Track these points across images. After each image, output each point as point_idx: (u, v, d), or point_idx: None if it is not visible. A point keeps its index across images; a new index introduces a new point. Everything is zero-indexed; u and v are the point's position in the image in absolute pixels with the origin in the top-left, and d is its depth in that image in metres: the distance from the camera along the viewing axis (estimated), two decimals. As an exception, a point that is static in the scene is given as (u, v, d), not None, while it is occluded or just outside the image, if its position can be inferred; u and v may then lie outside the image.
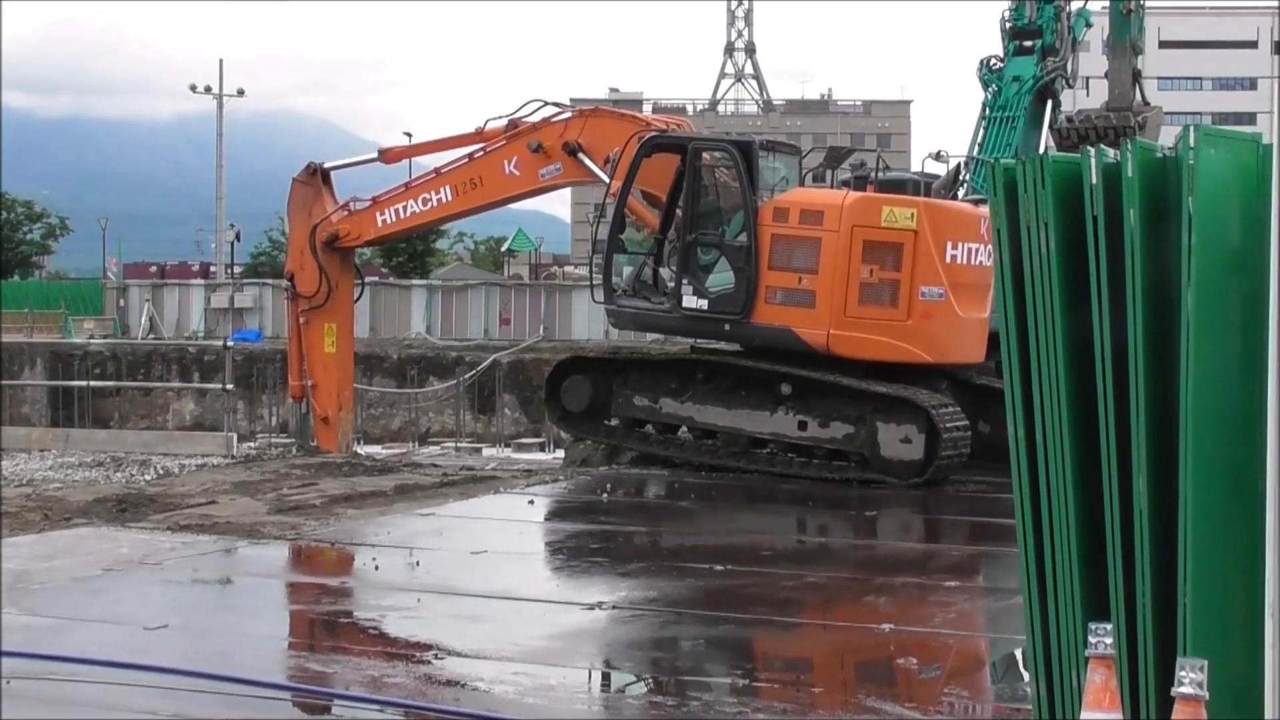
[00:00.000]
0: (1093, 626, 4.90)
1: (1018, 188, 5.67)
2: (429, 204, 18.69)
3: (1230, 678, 5.22)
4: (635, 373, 17.77)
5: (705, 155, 17.11)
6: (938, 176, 23.61)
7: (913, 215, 16.31)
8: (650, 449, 17.60)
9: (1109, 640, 4.86)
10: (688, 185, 16.86)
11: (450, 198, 18.56)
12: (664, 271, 17.29)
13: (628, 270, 17.74)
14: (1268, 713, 4.53)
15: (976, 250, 16.73)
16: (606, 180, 17.49)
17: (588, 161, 17.81)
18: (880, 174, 19.92)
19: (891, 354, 16.45)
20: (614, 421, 17.98)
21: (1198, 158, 5.28)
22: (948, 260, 16.42)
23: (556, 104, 18.44)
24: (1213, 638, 5.23)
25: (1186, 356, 5.31)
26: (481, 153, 18.30)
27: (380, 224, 18.93)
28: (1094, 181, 5.52)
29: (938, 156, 20.50)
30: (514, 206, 23.13)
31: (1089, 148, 5.66)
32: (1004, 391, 5.81)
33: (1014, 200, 5.72)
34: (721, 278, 16.89)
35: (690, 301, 16.88)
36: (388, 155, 19.66)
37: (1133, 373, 5.45)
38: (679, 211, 17.13)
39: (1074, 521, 5.60)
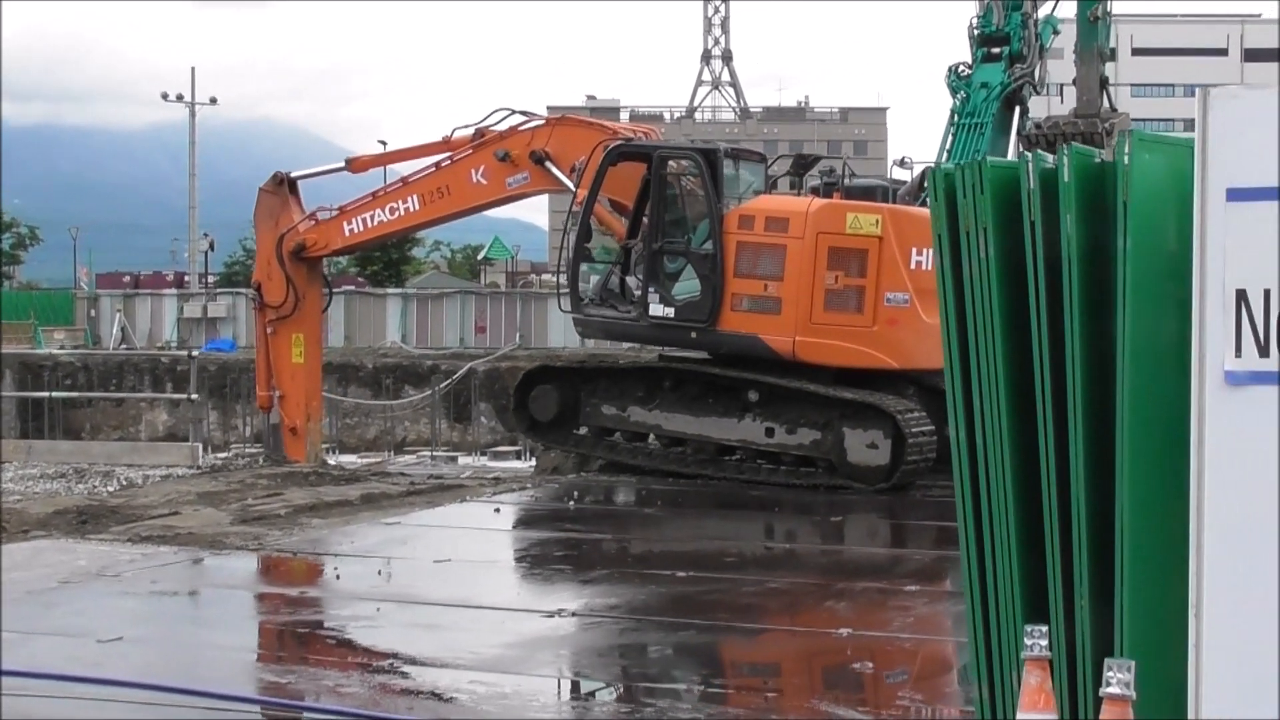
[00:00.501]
0: (1028, 629, 4.92)
1: (957, 193, 5.70)
2: (396, 213, 18.66)
3: (1168, 679, 5.24)
4: (603, 381, 17.78)
5: (670, 163, 17.14)
6: (905, 183, 23.72)
7: (877, 222, 16.40)
8: (618, 457, 17.58)
9: (1044, 642, 4.88)
10: (653, 193, 16.90)
11: (418, 207, 18.52)
12: (630, 280, 17.30)
13: (595, 279, 17.75)
14: (1191, 713, 4.55)
15: None
16: (573, 189, 17.50)
17: (555, 170, 17.81)
18: (847, 180, 19.98)
19: (857, 360, 16.49)
20: (582, 430, 17.96)
21: (1132, 163, 5.31)
22: (912, 266, 16.47)
23: (524, 112, 18.42)
24: (1150, 639, 5.26)
25: (1123, 361, 5.34)
26: (449, 161, 18.27)
27: (348, 233, 18.88)
28: (1031, 187, 5.55)
29: (902, 163, 20.54)
30: (491, 214, 23.11)
31: (1028, 154, 5.70)
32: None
33: (954, 205, 5.75)
34: (687, 286, 16.92)
35: (657, 310, 16.91)
36: (355, 164, 19.60)
37: (1070, 377, 5.48)
38: (646, 220, 17.16)
39: (1014, 524, 5.63)
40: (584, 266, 17.75)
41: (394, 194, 18.62)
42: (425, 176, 18.43)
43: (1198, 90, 4.57)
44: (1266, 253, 4.42)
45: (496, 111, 18.20)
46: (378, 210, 18.66)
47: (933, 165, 22.10)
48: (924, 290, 16.51)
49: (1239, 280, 4.47)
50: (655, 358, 18.48)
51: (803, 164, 18.42)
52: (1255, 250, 4.45)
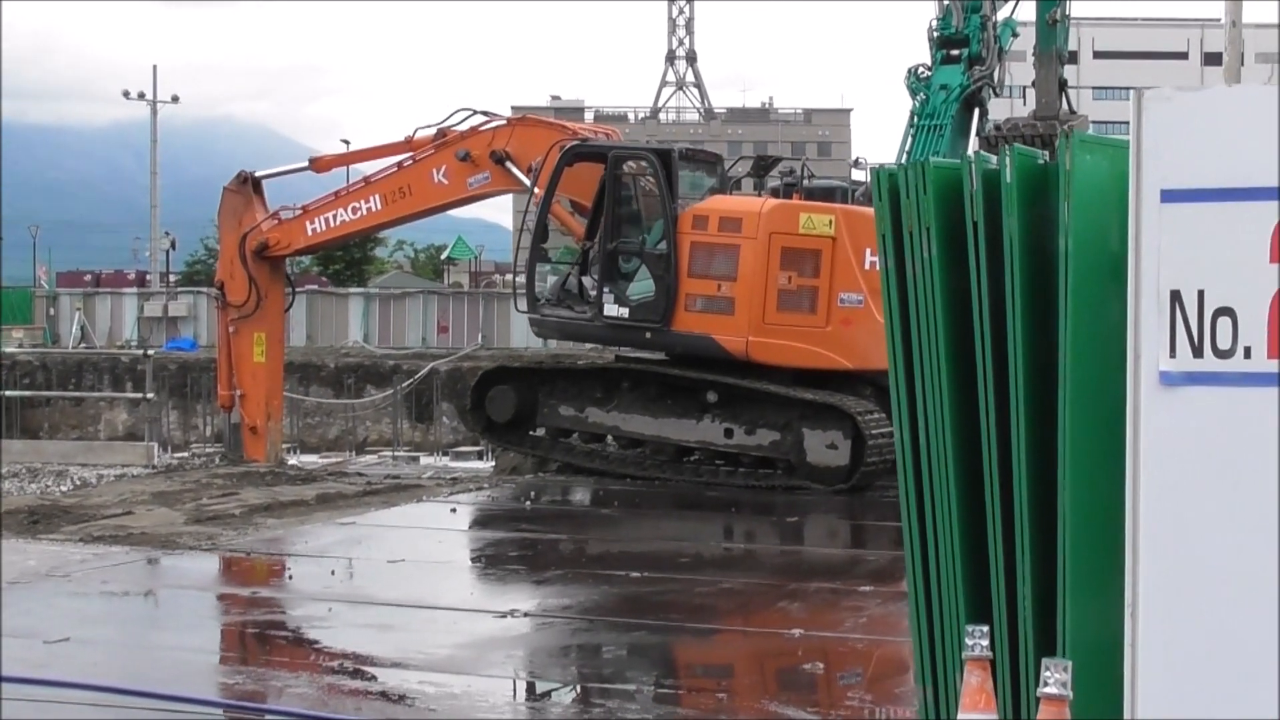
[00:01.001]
0: (969, 629, 4.92)
1: (900, 193, 5.71)
2: (359, 213, 18.61)
3: (1110, 679, 5.26)
4: (561, 382, 17.72)
5: (625, 164, 17.10)
6: (863, 183, 23.78)
7: (831, 222, 16.41)
8: (574, 459, 17.53)
9: (985, 642, 4.88)
10: (608, 193, 16.86)
11: (380, 206, 18.48)
12: (587, 280, 17.26)
13: (553, 279, 17.72)
14: (1128, 712, 4.57)
15: None
16: (531, 189, 17.46)
17: (515, 170, 17.77)
18: (807, 181, 20.00)
19: (811, 360, 16.48)
20: (539, 431, 17.89)
21: (1074, 164, 5.32)
22: (866, 266, 16.43)
23: (485, 113, 18.37)
24: (1090, 639, 5.28)
25: (1065, 362, 5.36)
26: (411, 161, 18.24)
27: (310, 233, 18.82)
28: (974, 188, 5.57)
29: (856, 163, 20.53)
30: (454, 214, 23.01)
31: (970, 155, 5.71)
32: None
33: (898, 205, 5.76)
34: (642, 286, 16.89)
35: (611, 310, 16.88)
36: (319, 164, 19.53)
37: (1013, 378, 5.50)
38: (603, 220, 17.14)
39: (957, 524, 5.65)
40: (543, 267, 17.74)
41: (356, 193, 18.57)
42: (387, 176, 18.40)
43: (1132, 93, 4.60)
44: (1200, 254, 4.45)
45: (458, 111, 18.17)
46: (340, 210, 18.61)
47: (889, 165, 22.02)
48: (879, 291, 16.59)
49: (1173, 281, 4.49)
50: (613, 358, 18.41)
51: (763, 165, 18.45)
52: (1189, 251, 4.47)
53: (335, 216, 18.67)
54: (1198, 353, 4.42)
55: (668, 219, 16.55)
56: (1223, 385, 4.40)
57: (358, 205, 18.55)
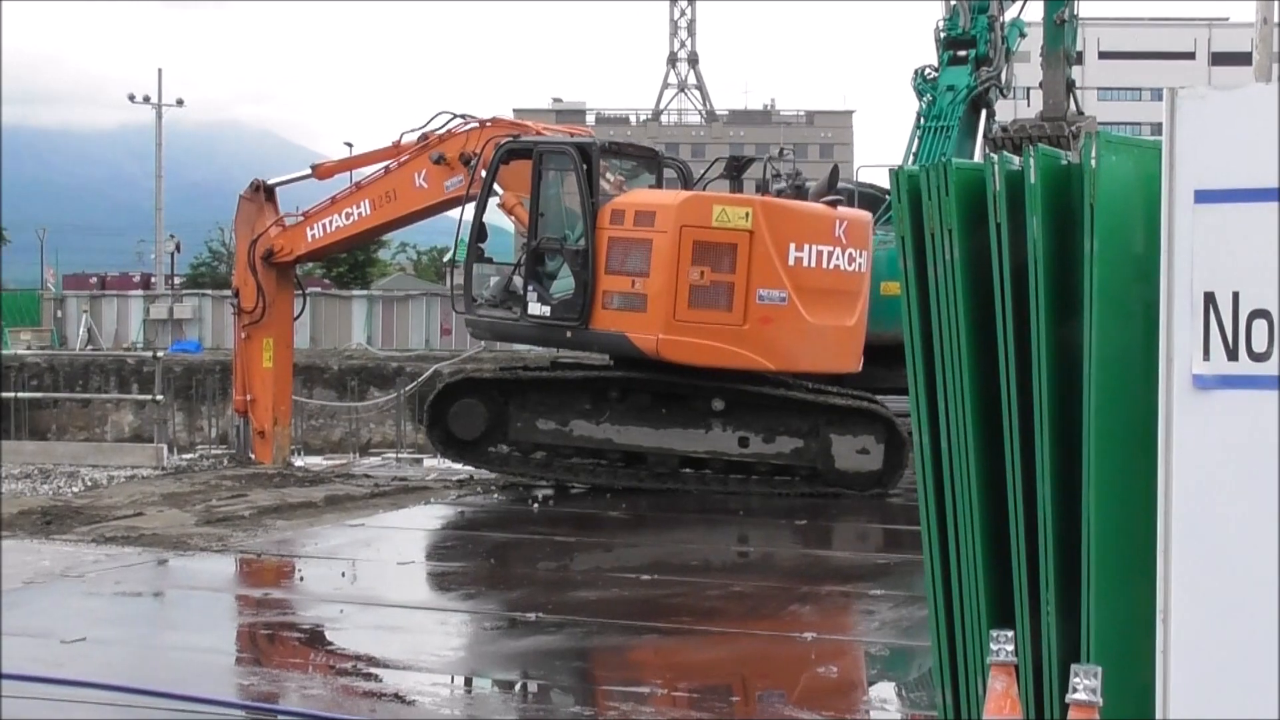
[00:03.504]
0: (994, 634, 4.89)
1: (921, 195, 5.68)
2: (351, 218, 18.62)
3: (1134, 684, 5.23)
4: (535, 394, 16.77)
5: (549, 159, 16.49)
6: (873, 186, 23.69)
7: (747, 215, 15.60)
8: (557, 476, 16.70)
9: (1010, 648, 4.85)
10: (532, 189, 16.38)
11: (369, 211, 18.48)
12: (516, 279, 16.79)
13: (495, 280, 17.11)
14: (1159, 717, 4.54)
15: (830, 253, 16.01)
16: (499, 192, 17.21)
17: (484, 173, 17.60)
18: (798, 182, 19.71)
19: (726, 360, 15.73)
20: (505, 449, 16.90)
21: (1099, 165, 5.29)
22: (790, 263, 15.72)
23: (462, 115, 18.31)
24: (1115, 644, 5.25)
25: (1090, 364, 5.33)
26: (395, 166, 18.27)
27: (310, 239, 18.86)
28: (997, 189, 5.53)
29: (780, 154, 19.79)
30: (455, 216, 22.96)
31: (994, 155, 5.68)
32: (909, 399, 5.80)
33: (919, 207, 5.72)
34: (563, 284, 16.36)
35: (535, 309, 16.30)
36: (320, 170, 19.55)
37: (1036, 381, 5.46)
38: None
39: (979, 529, 5.61)
40: (488, 268, 17.17)
41: (348, 199, 18.59)
42: (374, 181, 18.41)
43: (1165, 91, 4.56)
44: (1234, 255, 4.41)
45: (439, 115, 18.11)
46: (335, 215, 18.64)
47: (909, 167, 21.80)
48: (806, 289, 15.84)
49: (1207, 283, 4.45)
50: (608, 366, 17.26)
51: (737, 165, 17.41)
52: (1223, 253, 4.43)
53: (331, 222, 18.71)
54: (1232, 355, 4.38)
55: (586, 214, 15.97)
56: (1257, 389, 4.35)
57: (350, 211, 18.58)
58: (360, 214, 18.43)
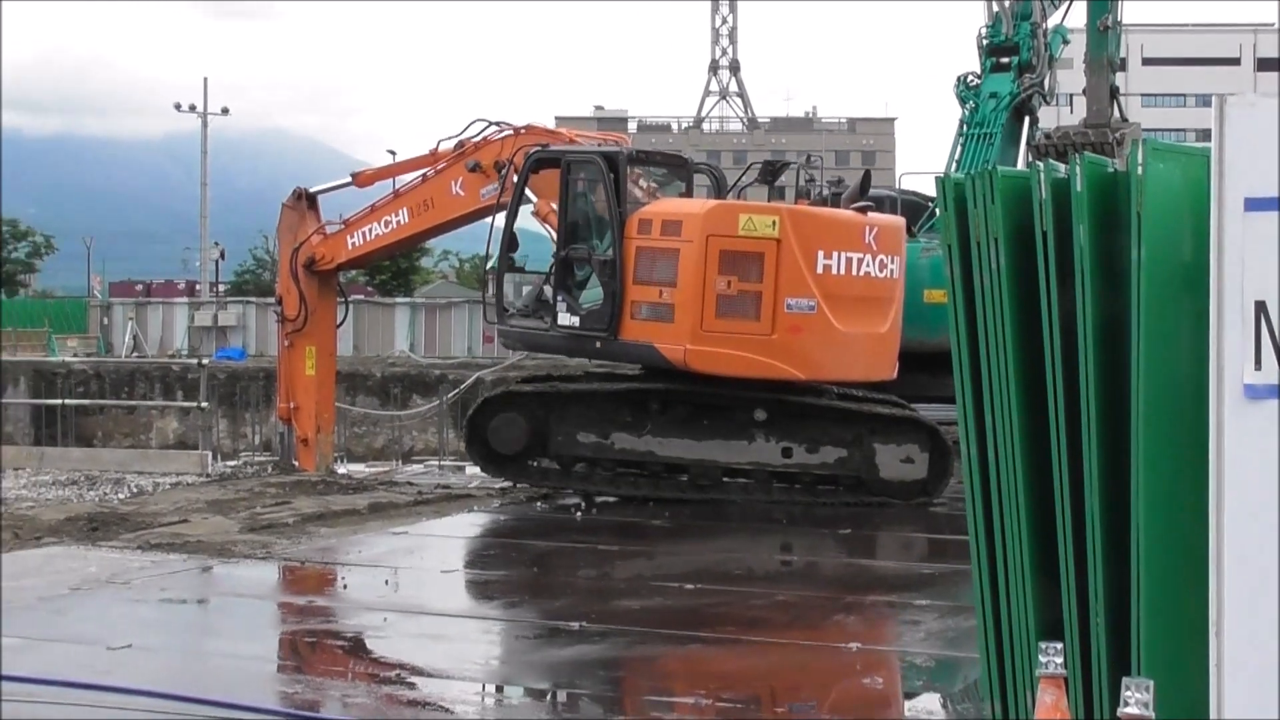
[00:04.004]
0: (1043, 646, 4.86)
1: (967, 202, 5.65)
2: (390, 226, 18.67)
3: (1184, 697, 5.18)
4: (576, 406, 16.59)
5: (577, 168, 16.43)
6: (916, 193, 23.60)
7: (774, 223, 15.42)
8: (599, 489, 16.53)
9: (1059, 660, 4.81)
10: (561, 199, 16.32)
11: (407, 219, 18.51)
12: (547, 289, 16.70)
13: (527, 289, 17.09)
14: (1211, 730, 4.50)
15: (860, 260, 15.82)
16: (533, 199, 17.20)
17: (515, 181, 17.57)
18: (829, 186, 19.53)
19: (755, 370, 15.56)
20: (547, 463, 16.69)
21: (1147, 172, 5.25)
22: (819, 270, 15.55)
23: (496, 123, 18.34)
24: (1166, 657, 5.20)
25: (1137, 373, 5.29)
26: (433, 173, 18.31)
27: (350, 246, 18.93)
28: (1043, 196, 5.50)
29: (808, 161, 19.51)
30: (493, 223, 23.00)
31: (1039, 163, 5.65)
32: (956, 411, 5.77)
33: (964, 215, 5.70)
34: (593, 294, 16.24)
35: (564, 319, 16.16)
36: (360, 179, 19.64)
37: (1084, 390, 5.43)
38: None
39: (1027, 540, 5.58)
40: (518, 278, 17.13)
41: (387, 207, 18.64)
42: (412, 189, 18.45)
43: (1214, 98, 4.52)
44: (1287, 264, 4.36)
45: (475, 122, 18.14)
46: (375, 223, 18.70)
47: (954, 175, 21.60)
48: (836, 296, 15.66)
49: (1258, 292, 4.40)
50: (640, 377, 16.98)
51: (771, 170, 17.17)
52: (1274, 261, 4.39)
53: (371, 230, 18.77)
54: (1285, 365, 4.33)
55: (614, 224, 15.85)
56: (1310, 398, 4.30)
57: (389, 219, 18.62)
58: (399, 222, 18.47)
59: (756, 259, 15.41)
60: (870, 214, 16.33)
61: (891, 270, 16.28)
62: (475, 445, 16.89)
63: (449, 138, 18.18)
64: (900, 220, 17.36)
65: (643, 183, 17.05)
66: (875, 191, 23.07)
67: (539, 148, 16.85)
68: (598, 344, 16.08)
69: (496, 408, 16.85)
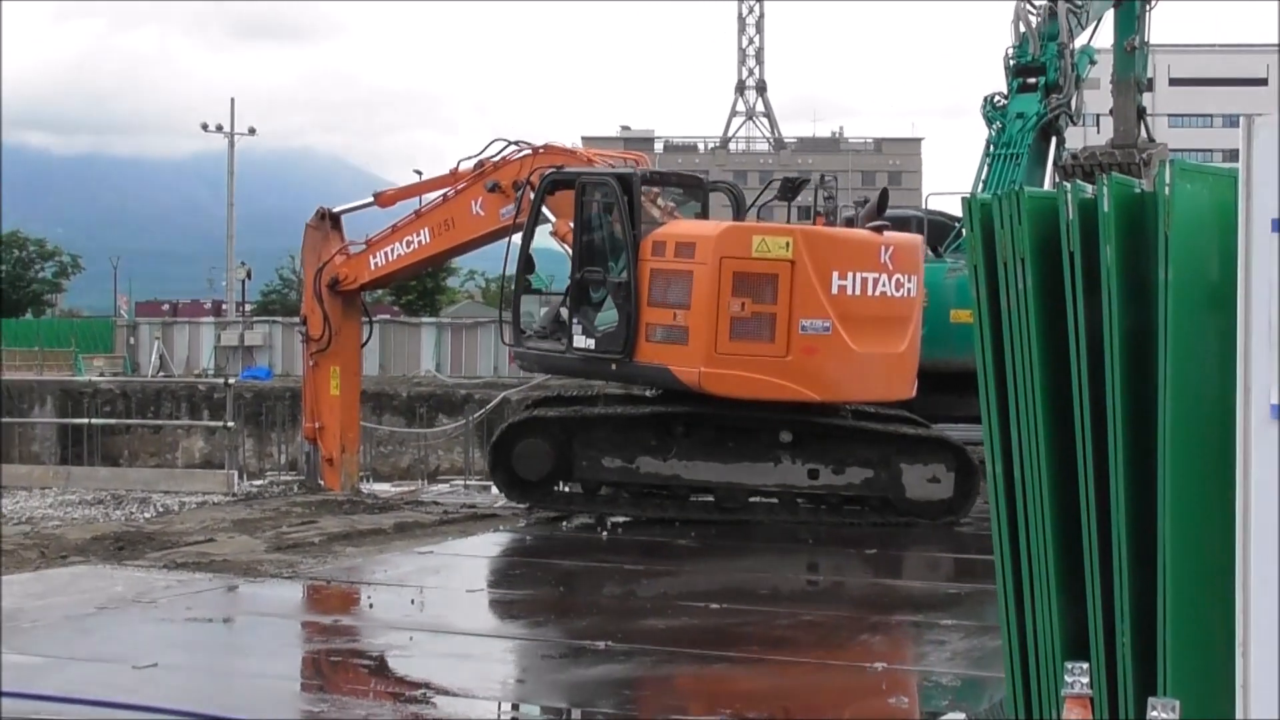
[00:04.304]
0: (1069, 666, 4.85)
1: (994, 223, 5.65)
2: (412, 246, 18.70)
3: (1210, 717, 5.16)
4: (601, 430, 16.46)
5: (592, 190, 16.36)
6: (943, 213, 23.58)
7: (788, 244, 15.36)
8: (625, 512, 16.39)
9: (1085, 680, 4.81)
10: (576, 221, 16.31)
11: (428, 240, 18.53)
12: (563, 311, 16.71)
13: (545, 311, 17.03)
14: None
15: (876, 280, 15.73)
16: (551, 219, 17.21)
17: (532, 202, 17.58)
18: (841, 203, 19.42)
19: (770, 392, 15.48)
20: (571, 487, 16.69)
21: (1174, 193, 5.25)
22: (834, 291, 15.47)
23: (515, 142, 18.36)
24: (1192, 677, 5.18)
25: (1164, 394, 5.28)
26: (453, 193, 18.33)
27: (373, 267, 18.97)
28: (1070, 217, 5.50)
29: (822, 180, 19.35)
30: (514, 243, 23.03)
31: (1066, 184, 5.64)
32: (982, 431, 5.77)
33: (991, 236, 5.70)
34: (607, 316, 16.18)
35: (580, 341, 16.13)
36: (381, 199, 19.69)
37: (1110, 411, 5.42)
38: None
39: (1053, 560, 5.56)
40: (536, 299, 17.21)
41: (408, 227, 18.67)
42: (433, 209, 18.47)
43: (1241, 119, 4.51)
44: (1312, 284, 4.35)
45: (494, 142, 18.14)
46: (396, 243, 18.72)
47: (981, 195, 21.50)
48: (852, 317, 15.57)
49: (1285, 312, 4.39)
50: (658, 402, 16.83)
51: (790, 187, 16.97)
52: (1301, 281, 4.38)
53: (393, 250, 18.78)
54: (1311, 385, 4.32)
55: (628, 246, 15.80)
56: (1338, 419, 4.29)
57: (411, 239, 18.65)
58: (421, 242, 18.50)
59: (770, 280, 15.35)
60: (886, 233, 16.22)
61: (909, 289, 16.18)
62: (500, 472, 16.78)
63: (469, 157, 18.23)
64: (917, 239, 17.29)
65: (661, 201, 17.05)
66: (901, 212, 23.00)
67: (554, 169, 16.86)
68: (613, 366, 16.04)
69: (520, 433, 16.71)
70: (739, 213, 17.50)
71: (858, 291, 15.65)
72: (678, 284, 15.60)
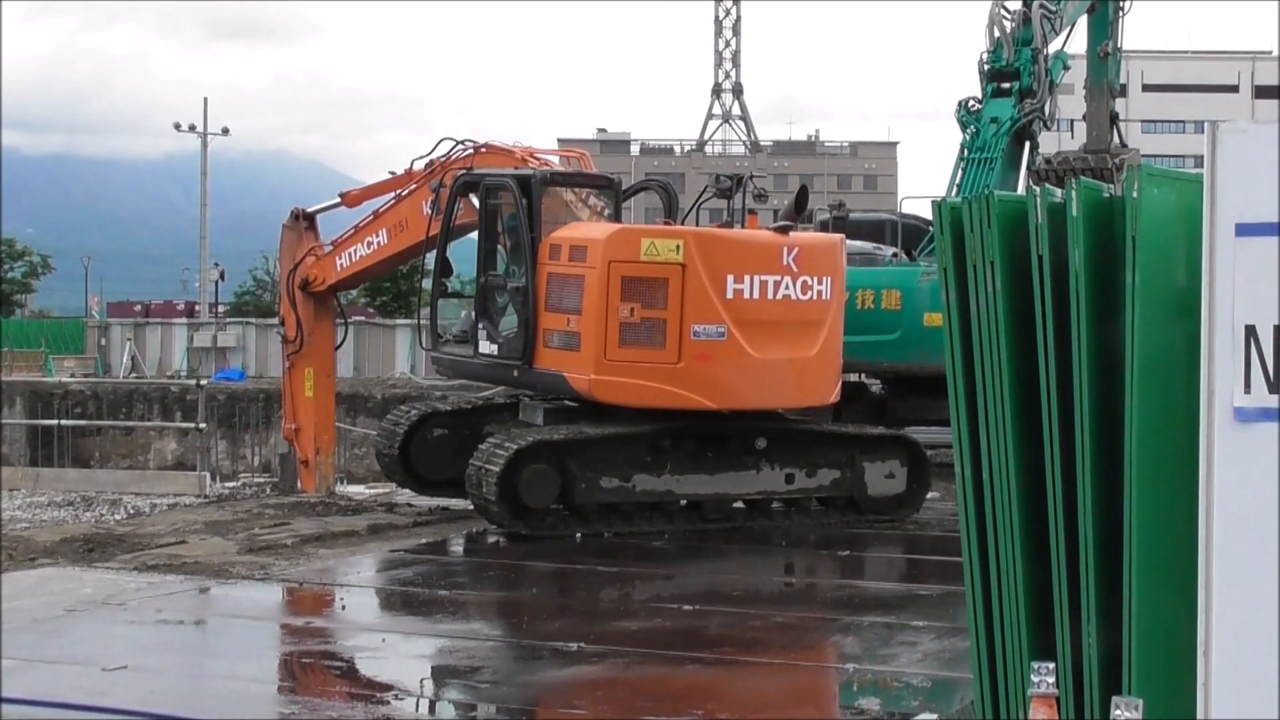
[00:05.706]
0: (1035, 665, 4.89)
1: (964, 227, 5.69)
2: (372, 247, 18.58)
3: (1173, 715, 5.21)
4: (597, 450, 15.53)
5: (495, 192, 16.13)
6: (917, 217, 23.66)
7: (678, 247, 14.90)
8: (621, 529, 15.53)
9: (1051, 679, 4.85)
10: (480, 224, 16.17)
11: (386, 240, 18.41)
12: (472, 315, 16.52)
13: (464, 314, 16.82)
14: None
15: (778, 283, 15.22)
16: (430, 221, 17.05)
17: (476, 200, 17.50)
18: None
19: (662, 400, 15.03)
20: (567, 511, 15.61)
21: (1141, 198, 5.30)
22: (729, 295, 15.00)
23: (461, 142, 18.24)
24: (1156, 677, 5.23)
25: (1131, 396, 5.32)
26: (406, 194, 18.25)
27: (339, 268, 18.89)
28: (1039, 221, 5.55)
29: (751, 178, 18.87)
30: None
31: (1036, 188, 5.69)
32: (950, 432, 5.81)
33: (960, 239, 5.74)
34: (509, 320, 15.95)
35: (485, 346, 15.93)
36: (348, 198, 19.60)
37: (1078, 413, 5.46)
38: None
39: (1020, 560, 5.61)
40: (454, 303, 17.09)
41: (368, 228, 18.55)
42: (388, 210, 18.35)
43: (1206, 125, 4.57)
44: (1276, 288, 4.40)
45: (443, 141, 18.02)
46: (358, 245, 18.63)
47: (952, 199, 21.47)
48: (749, 322, 15.11)
49: (1248, 316, 4.45)
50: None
51: (724, 187, 16.24)
52: (1265, 286, 4.44)
53: (355, 251, 18.68)
54: (1274, 388, 4.38)
55: (525, 249, 15.50)
56: (1299, 421, 4.34)
57: (370, 240, 18.54)
58: (380, 243, 18.41)
59: (660, 285, 14.86)
60: (793, 234, 15.68)
61: (819, 292, 15.59)
62: (503, 506, 15.15)
63: (421, 156, 18.11)
64: (834, 238, 16.71)
65: (593, 202, 16.74)
66: (874, 215, 23.04)
67: (464, 171, 16.56)
68: (515, 373, 15.75)
69: (526, 460, 15.29)
70: (671, 212, 17.07)
71: (756, 295, 15.14)
72: (571, 288, 15.19)
